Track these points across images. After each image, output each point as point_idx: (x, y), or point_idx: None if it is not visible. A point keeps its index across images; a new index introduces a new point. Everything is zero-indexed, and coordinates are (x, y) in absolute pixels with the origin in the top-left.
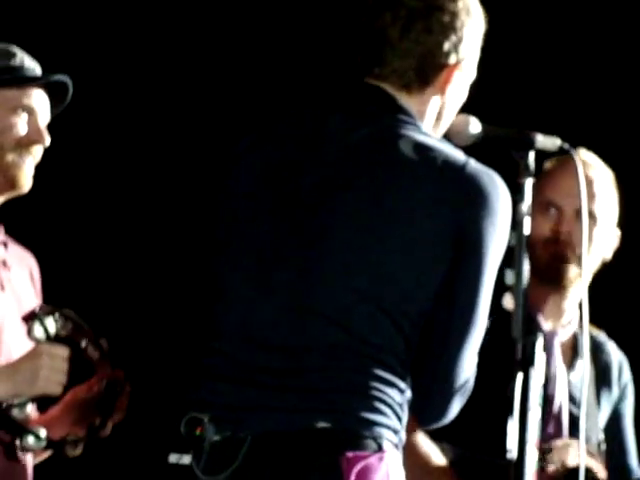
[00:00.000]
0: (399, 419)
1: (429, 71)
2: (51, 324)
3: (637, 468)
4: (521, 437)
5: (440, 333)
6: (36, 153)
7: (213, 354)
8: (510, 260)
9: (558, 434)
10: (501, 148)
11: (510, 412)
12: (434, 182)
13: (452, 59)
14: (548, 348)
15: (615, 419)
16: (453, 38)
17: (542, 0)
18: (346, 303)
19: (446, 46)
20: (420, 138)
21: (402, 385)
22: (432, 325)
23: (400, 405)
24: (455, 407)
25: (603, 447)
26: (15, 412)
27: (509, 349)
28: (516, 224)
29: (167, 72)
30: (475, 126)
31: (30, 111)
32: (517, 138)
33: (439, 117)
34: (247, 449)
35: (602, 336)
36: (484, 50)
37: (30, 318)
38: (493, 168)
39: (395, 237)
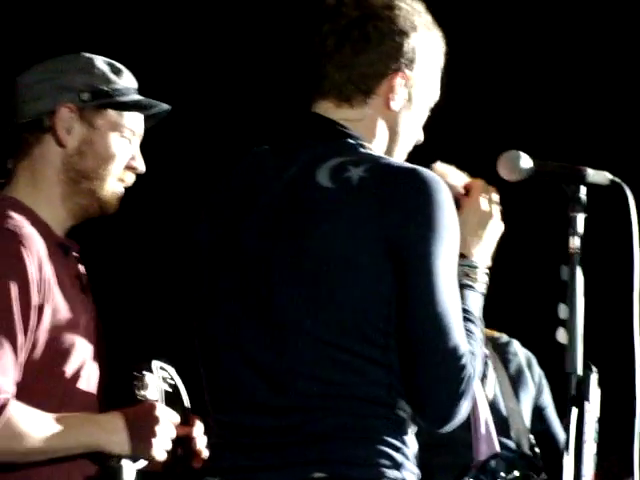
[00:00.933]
0: (399, 452)
1: (368, 81)
2: (161, 381)
3: None
4: (577, 472)
5: (417, 342)
6: (132, 179)
7: (215, 423)
8: (563, 294)
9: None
10: (552, 182)
11: (566, 447)
12: (353, 205)
13: (391, 66)
14: None
15: (538, 414)
16: (392, 45)
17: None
18: (309, 354)
19: (384, 53)
20: (339, 161)
21: (393, 415)
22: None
23: (397, 438)
24: (462, 404)
25: (537, 450)
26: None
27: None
28: (569, 258)
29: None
30: (526, 161)
31: (134, 138)
32: (568, 173)
33: (393, 133)
34: None
35: (504, 337)
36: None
37: (141, 372)
38: (544, 202)
39: (332, 274)
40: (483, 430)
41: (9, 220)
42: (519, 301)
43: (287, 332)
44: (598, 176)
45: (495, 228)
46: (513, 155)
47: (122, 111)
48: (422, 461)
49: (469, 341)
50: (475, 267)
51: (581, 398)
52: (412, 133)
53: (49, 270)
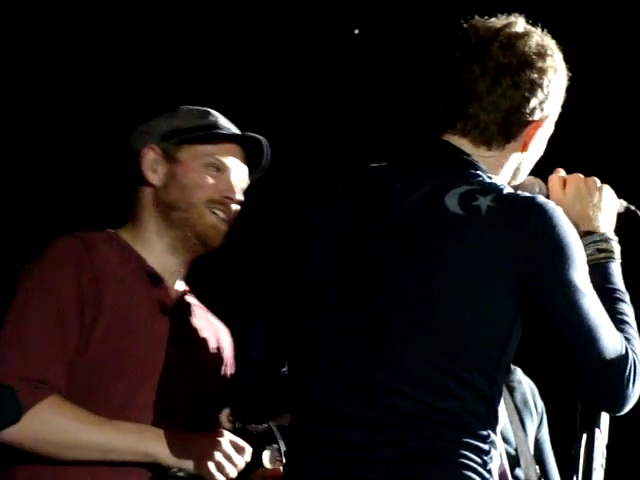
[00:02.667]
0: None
1: (513, 127)
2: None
3: None
4: None
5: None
6: (229, 210)
7: (300, 431)
8: None
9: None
10: None
11: (575, 473)
12: (481, 233)
13: (536, 116)
14: None
15: (538, 447)
16: (540, 95)
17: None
18: (412, 374)
19: (532, 103)
20: (468, 189)
21: (485, 447)
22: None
23: (485, 467)
24: (634, 387)
25: None
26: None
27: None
28: None
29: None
30: (538, 189)
31: (223, 167)
32: None
33: (517, 172)
34: None
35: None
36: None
37: None
38: None
39: (452, 300)
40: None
41: (85, 234)
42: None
43: (395, 349)
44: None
45: (607, 193)
46: (527, 182)
47: (202, 142)
48: None
49: (624, 327)
50: (608, 239)
51: (591, 424)
52: (531, 166)
53: (111, 280)
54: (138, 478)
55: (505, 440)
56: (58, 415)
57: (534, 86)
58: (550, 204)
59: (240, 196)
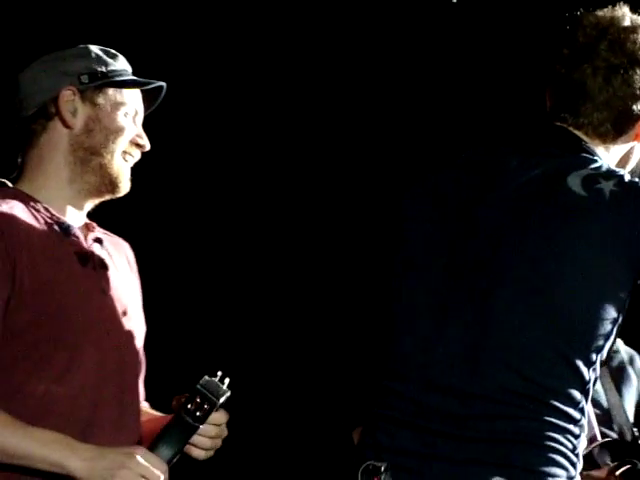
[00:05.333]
0: (574, 466)
1: (625, 123)
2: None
3: None
4: None
5: None
6: (137, 157)
7: (388, 394)
8: None
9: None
10: None
11: None
12: (602, 216)
13: None
14: None
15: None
16: None
17: None
18: (521, 348)
19: None
20: (590, 172)
21: (576, 431)
22: None
23: (574, 452)
24: None
25: None
26: None
27: None
28: None
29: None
30: None
31: (135, 114)
32: None
33: (628, 159)
34: None
35: None
36: None
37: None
38: None
39: (568, 278)
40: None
41: None
42: None
43: (506, 320)
44: None
45: None
46: None
47: (121, 89)
48: None
49: None
50: None
51: None
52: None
53: (31, 242)
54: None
55: (595, 405)
56: None
57: None
58: None
59: (148, 143)
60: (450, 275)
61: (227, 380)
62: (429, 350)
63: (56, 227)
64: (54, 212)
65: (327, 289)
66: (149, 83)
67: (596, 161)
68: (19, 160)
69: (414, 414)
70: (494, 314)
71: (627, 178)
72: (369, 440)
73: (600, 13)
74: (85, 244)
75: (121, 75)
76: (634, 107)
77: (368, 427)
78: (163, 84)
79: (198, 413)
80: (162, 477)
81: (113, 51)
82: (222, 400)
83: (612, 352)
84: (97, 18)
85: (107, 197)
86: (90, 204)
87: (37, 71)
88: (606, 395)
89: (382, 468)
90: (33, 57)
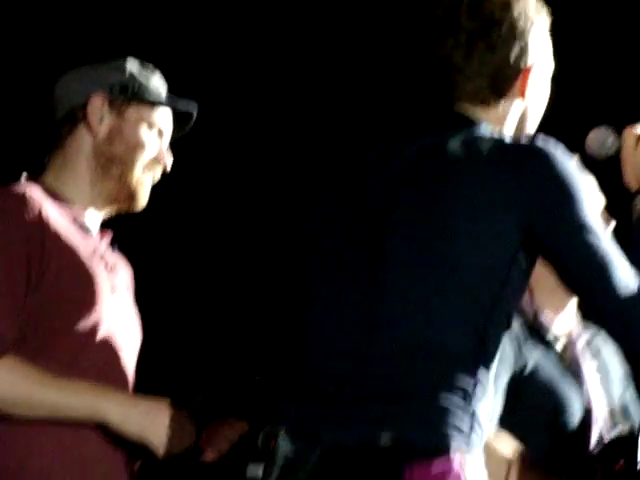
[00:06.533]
0: (471, 429)
1: (502, 84)
2: None
3: None
4: None
5: (581, 281)
6: (157, 174)
7: (296, 367)
8: None
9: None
10: None
11: None
12: (482, 170)
13: (522, 65)
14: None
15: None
16: (517, 46)
17: None
18: (414, 305)
19: (512, 57)
20: (470, 137)
21: (474, 391)
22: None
23: (471, 414)
24: None
25: None
26: None
27: None
28: None
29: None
30: (614, 138)
31: (160, 132)
32: None
33: (523, 119)
34: (315, 462)
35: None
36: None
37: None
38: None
39: (456, 234)
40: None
41: (17, 189)
42: None
43: (395, 281)
44: None
45: None
46: (601, 132)
47: (150, 106)
48: None
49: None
50: None
51: None
52: (540, 107)
53: (58, 229)
54: (97, 442)
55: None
56: (10, 374)
57: (508, 41)
58: (553, 146)
59: (170, 162)
60: (344, 248)
61: None
62: (328, 319)
63: (78, 224)
64: (77, 210)
65: None
66: (179, 105)
67: (478, 129)
68: (46, 160)
69: (313, 381)
70: (387, 275)
71: (509, 140)
72: (273, 410)
73: None
74: (100, 246)
75: (153, 92)
76: (504, 67)
77: (274, 400)
78: (193, 110)
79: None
80: (192, 431)
81: (152, 67)
82: None
83: (595, 351)
84: (101, 25)
85: (124, 208)
86: (108, 211)
87: (71, 78)
88: (591, 393)
89: (279, 432)
90: (68, 66)
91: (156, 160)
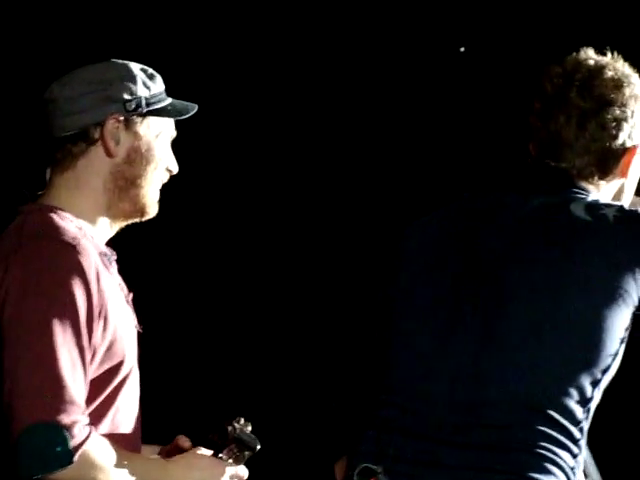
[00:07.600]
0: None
1: (608, 163)
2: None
3: None
4: None
5: None
6: (166, 180)
7: (387, 406)
8: None
9: None
10: None
11: None
12: (611, 233)
13: (628, 144)
14: None
15: None
16: (627, 127)
17: None
18: (526, 363)
19: (621, 137)
20: (590, 202)
21: (575, 450)
22: None
23: (572, 470)
24: None
25: None
26: None
27: None
28: None
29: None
30: None
31: (171, 142)
32: None
33: (620, 195)
34: None
35: None
36: None
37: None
38: None
39: (575, 295)
40: None
41: (65, 232)
42: None
43: (508, 337)
44: None
45: None
46: None
47: (162, 117)
48: None
49: None
50: None
51: None
52: (635, 183)
53: (104, 282)
54: None
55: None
56: (99, 453)
57: (619, 121)
58: None
59: (177, 167)
60: (452, 295)
61: (250, 427)
62: (431, 364)
63: (104, 257)
64: (97, 241)
65: (327, 295)
66: (188, 111)
67: (591, 195)
68: (47, 177)
69: (413, 424)
70: (499, 330)
71: (627, 207)
72: (365, 448)
73: (565, 60)
74: (117, 274)
75: (160, 100)
76: (613, 147)
77: (362, 438)
78: (196, 107)
79: (230, 461)
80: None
81: (151, 71)
82: (257, 449)
83: None
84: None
85: (131, 221)
86: (117, 228)
87: (81, 92)
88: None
89: (379, 471)
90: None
91: (168, 169)
